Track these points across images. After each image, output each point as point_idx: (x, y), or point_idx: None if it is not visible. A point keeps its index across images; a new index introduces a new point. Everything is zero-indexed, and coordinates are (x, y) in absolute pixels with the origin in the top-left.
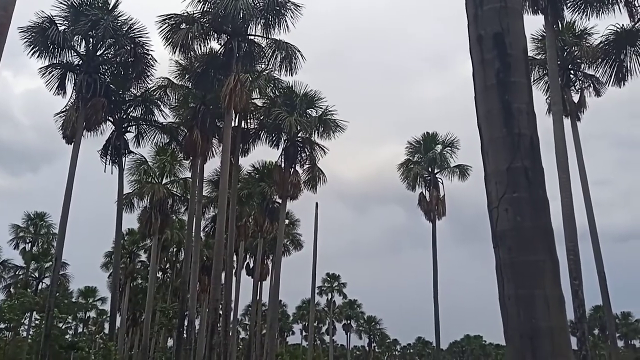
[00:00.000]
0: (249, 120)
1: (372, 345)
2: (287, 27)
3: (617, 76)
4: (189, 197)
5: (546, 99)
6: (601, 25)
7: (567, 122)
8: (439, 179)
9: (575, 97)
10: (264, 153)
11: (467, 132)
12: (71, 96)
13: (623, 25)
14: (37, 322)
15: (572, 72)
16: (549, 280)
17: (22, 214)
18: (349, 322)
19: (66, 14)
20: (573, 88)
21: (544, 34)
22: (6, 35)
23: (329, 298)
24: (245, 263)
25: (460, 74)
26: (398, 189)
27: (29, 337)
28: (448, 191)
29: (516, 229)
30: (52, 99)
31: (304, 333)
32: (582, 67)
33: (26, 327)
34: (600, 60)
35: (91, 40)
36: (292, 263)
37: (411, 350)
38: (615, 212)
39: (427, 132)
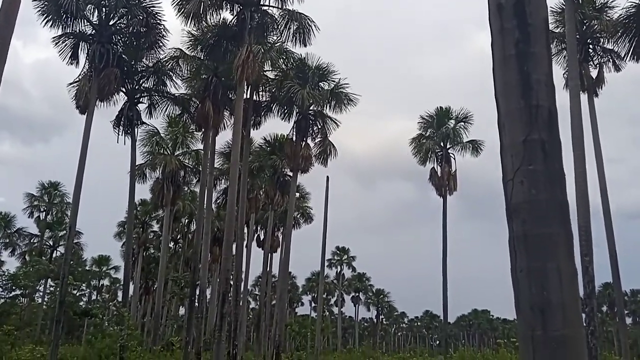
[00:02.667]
0: (260, 93)
1: (380, 317)
2: None
3: (637, 51)
4: (200, 168)
5: (563, 74)
6: None
7: (583, 97)
8: (451, 154)
9: (594, 73)
10: (275, 126)
11: (473, 108)
12: (84, 66)
13: None
14: (51, 289)
15: (591, 46)
16: (563, 253)
17: (34, 183)
18: (357, 294)
19: None
20: (591, 63)
21: (563, 7)
22: (19, 3)
23: (338, 271)
24: (256, 235)
25: (470, 49)
26: (405, 164)
27: (44, 303)
28: (458, 166)
29: (531, 201)
30: (61, 69)
31: (313, 304)
32: (602, 42)
33: (41, 293)
34: (619, 34)
35: (104, 9)
36: (302, 236)
37: (418, 323)
38: (626, 190)
39: (440, 107)
